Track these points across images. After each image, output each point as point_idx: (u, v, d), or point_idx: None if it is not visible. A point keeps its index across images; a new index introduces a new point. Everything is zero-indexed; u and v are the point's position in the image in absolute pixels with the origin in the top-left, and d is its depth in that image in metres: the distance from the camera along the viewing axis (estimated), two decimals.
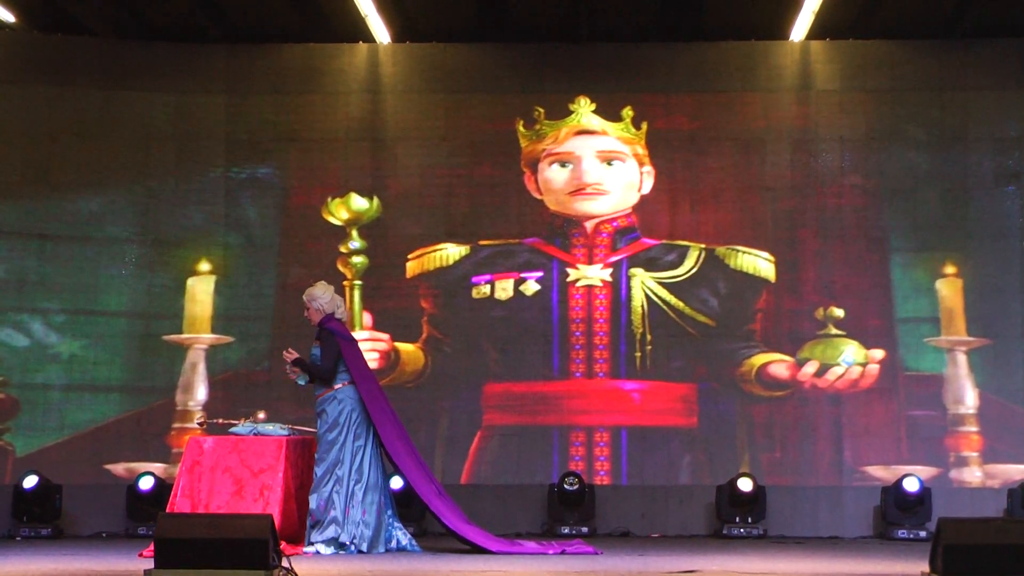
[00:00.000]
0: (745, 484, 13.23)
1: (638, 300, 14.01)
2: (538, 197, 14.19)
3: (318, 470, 11.20)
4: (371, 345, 13.63)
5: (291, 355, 11.32)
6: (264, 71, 14.32)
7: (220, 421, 11.63)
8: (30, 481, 13.12)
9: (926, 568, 8.76)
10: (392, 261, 14.13)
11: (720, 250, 14.05)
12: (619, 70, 14.22)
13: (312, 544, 11.02)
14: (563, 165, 14.17)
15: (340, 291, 13.90)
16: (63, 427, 13.90)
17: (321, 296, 11.40)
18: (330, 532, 11.06)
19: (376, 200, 14.20)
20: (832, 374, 13.84)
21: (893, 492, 13.26)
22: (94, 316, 14.03)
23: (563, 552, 11.27)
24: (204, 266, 14.18)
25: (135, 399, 14.01)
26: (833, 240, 14.04)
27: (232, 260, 14.23)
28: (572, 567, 10.31)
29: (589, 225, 14.12)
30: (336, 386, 11.27)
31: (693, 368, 13.98)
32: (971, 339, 13.81)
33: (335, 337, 11.31)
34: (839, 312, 13.90)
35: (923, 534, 12.87)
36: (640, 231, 14.12)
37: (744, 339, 13.98)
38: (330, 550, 10.99)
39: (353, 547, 11.07)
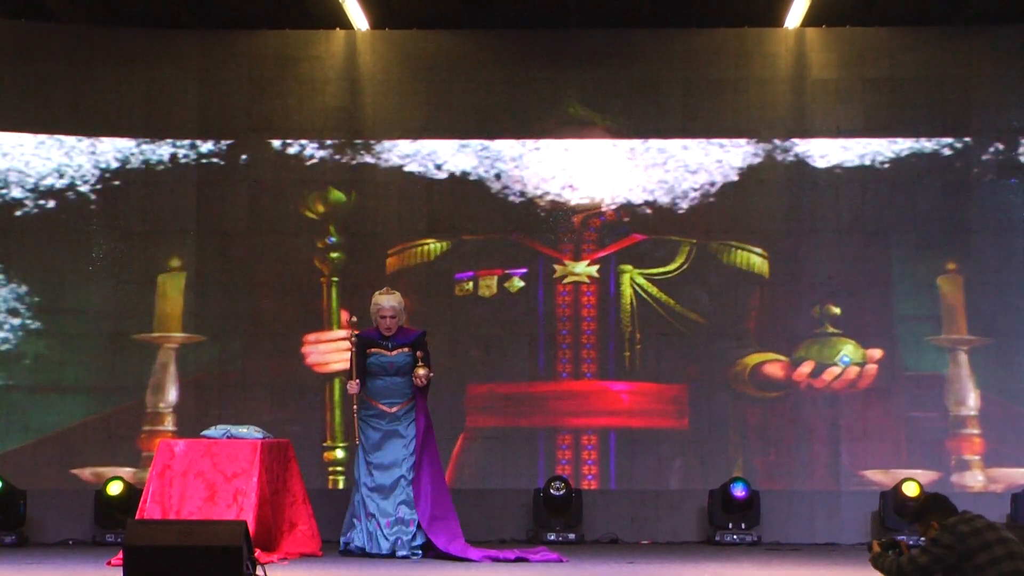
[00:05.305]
0: (738, 489, 13.13)
1: (627, 297, 13.90)
2: (523, 190, 14.03)
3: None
4: (348, 344, 13.51)
5: (356, 388, 11.69)
6: (238, 58, 14.14)
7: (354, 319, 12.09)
8: None
9: None
10: (371, 257, 13.98)
11: (712, 245, 13.93)
12: (608, 58, 14.07)
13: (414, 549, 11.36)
14: (549, 157, 14.00)
15: (316, 288, 13.94)
16: (28, 430, 13.71)
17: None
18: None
19: (354, 193, 14.05)
20: (829, 374, 13.74)
21: (892, 497, 13.11)
22: (60, 314, 13.83)
23: (521, 559, 11.30)
24: (175, 262, 14.00)
25: (103, 400, 13.83)
26: (829, 235, 13.92)
27: (204, 256, 14.03)
28: (559, 574, 10.36)
29: (576, 219, 14.00)
30: None
31: (684, 368, 13.86)
32: (973, 338, 13.71)
33: None
34: (836, 310, 13.80)
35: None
36: (629, 226, 13.98)
37: (737, 338, 13.87)
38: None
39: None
